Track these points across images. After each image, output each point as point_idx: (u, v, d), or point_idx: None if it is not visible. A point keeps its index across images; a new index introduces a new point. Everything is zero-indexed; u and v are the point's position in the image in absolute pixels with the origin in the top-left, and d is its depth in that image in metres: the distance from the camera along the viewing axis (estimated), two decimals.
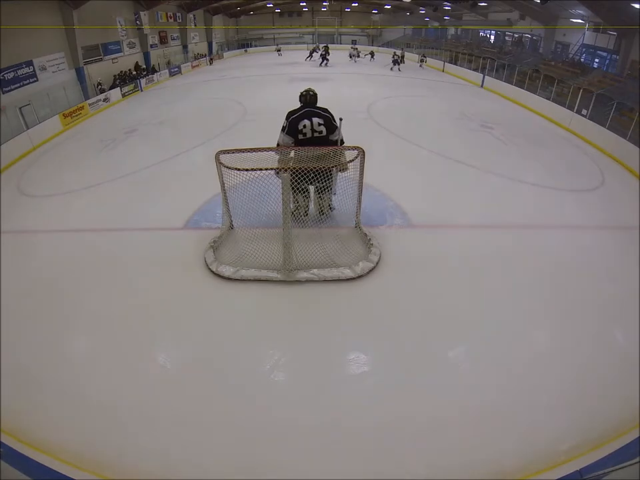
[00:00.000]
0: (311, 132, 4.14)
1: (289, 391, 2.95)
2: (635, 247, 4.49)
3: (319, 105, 4.33)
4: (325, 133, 4.18)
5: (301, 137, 4.14)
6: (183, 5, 22.04)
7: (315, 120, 4.14)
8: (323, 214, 4.58)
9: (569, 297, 3.81)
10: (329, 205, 4.68)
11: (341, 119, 4.29)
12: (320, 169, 3.73)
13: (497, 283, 3.97)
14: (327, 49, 21.65)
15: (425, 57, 21.26)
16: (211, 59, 25.50)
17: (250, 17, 33.55)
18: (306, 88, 4.37)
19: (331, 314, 3.62)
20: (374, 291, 3.82)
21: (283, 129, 4.22)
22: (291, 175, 3.65)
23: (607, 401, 2.80)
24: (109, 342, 3.37)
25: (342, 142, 4.35)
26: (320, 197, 4.51)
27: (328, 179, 3.94)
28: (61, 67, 13.29)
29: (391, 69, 19.19)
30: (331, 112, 4.29)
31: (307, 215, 4.57)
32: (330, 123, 4.21)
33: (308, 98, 4.25)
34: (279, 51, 28.65)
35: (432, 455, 2.50)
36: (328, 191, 4.33)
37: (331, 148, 4.02)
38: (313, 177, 3.75)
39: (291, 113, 4.25)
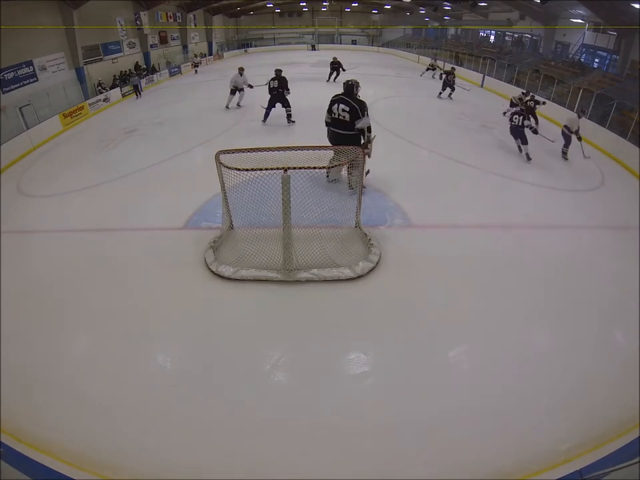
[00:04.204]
0: (337, 114, 5.19)
1: (288, 391, 2.95)
2: (635, 247, 4.49)
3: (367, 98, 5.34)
4: (347, 118, 5.13)
5: (333, 115, 5.26)
6: (183, 5, 22.02)
7: (341, 106, 5.14)
8: (350, 187, 5.25)
9: (568, 297, 3.80)
10: (349, 184, 5.26)
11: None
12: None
13: (497, 282, 3.97)
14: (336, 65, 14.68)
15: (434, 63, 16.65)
16: (195, 64, 20.19)
17: (250, 16, 33.53)
18: (349, 78, 5.43)
19: (331, 314, 3.62)
20: (374, 291, 3.82)
21: None
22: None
23: (607, 401, 2.80)
24: (108, 342, 3.37)
25: (369, 129, 5.21)
26: (349, 172, 5.14)
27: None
28: (61, 67, 13.28)
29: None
30: (364, 105, 5.17)
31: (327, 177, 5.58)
32: (355, 113, 5.09)
33: (345, 87, 5.26)
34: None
35: (432, 455, 2.50)
36: (354, 168, 4.65)
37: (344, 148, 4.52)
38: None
39: (332, 97, 5.32)
